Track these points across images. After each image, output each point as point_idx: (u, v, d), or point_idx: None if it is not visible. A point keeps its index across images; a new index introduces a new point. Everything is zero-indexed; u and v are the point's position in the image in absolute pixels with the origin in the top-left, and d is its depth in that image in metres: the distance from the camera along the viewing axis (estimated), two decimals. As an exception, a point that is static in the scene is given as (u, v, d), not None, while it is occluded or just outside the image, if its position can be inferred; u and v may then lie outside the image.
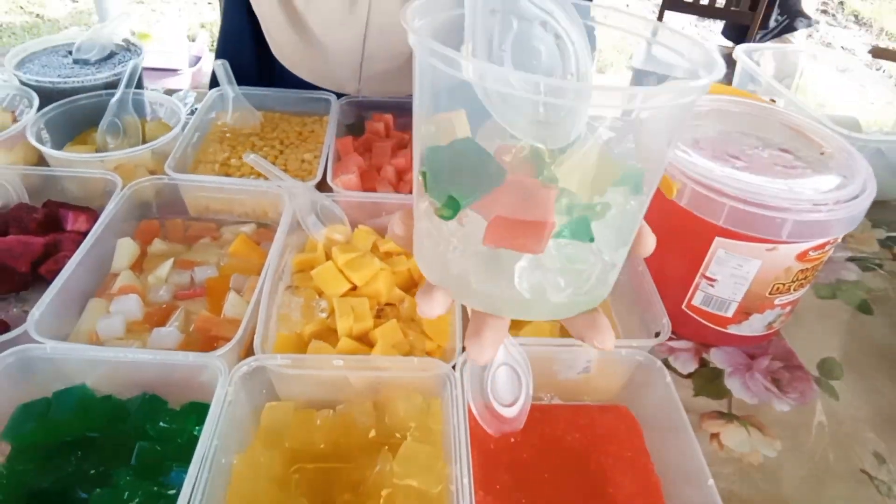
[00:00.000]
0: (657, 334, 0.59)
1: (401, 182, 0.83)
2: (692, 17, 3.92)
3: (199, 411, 0.51)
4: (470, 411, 0.56)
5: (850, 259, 0.87)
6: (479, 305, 0.34)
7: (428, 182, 0.33)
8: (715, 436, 0.62)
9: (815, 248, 0.63)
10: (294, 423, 0.53)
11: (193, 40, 3.12)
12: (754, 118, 0.74)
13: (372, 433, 0.54)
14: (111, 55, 0.95)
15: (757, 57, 1.10)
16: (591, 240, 0.32)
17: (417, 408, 0.55)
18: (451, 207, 0.32)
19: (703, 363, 0.70)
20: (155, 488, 0.47)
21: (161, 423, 0.51)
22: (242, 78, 0.93)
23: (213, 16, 3.76)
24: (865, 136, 0.87)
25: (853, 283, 0.83)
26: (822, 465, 0.60)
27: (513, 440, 0.55)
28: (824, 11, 4.51)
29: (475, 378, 0.53)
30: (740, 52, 1.07)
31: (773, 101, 0.95)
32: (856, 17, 4.53)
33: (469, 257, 0.33)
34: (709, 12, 2.81)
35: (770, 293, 0.66)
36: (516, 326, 0.66)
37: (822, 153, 0.67)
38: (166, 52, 3.03)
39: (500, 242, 0.31)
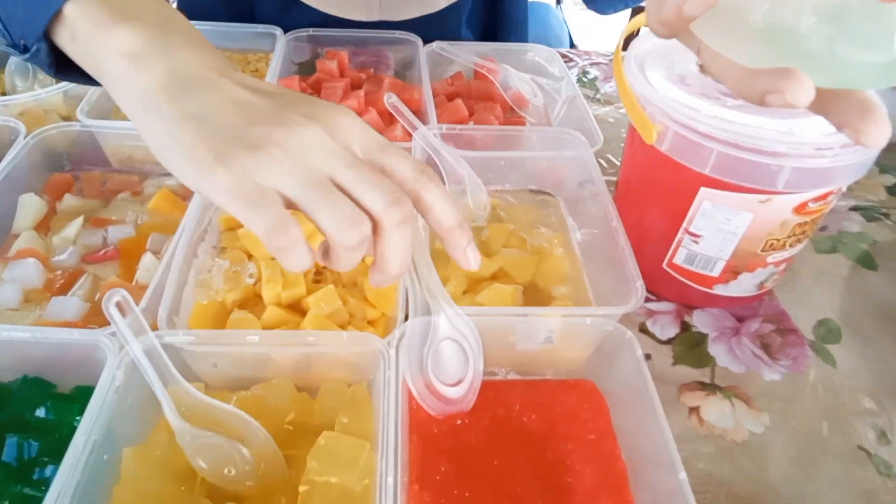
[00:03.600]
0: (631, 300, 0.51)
1: (351, 127, 0.74)
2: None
3: (85, 398, 0.43)
4: (410, 391, 0.48)
5: (854, 208, 0.79)
6: (836, 82, 0.28)
7: None
8: (694, 410, 0.55)
9: (816, 199, 0.54)
10: (200, 409, 0.46)
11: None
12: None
13: (290, 416, 0.46)
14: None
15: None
16: None
17: (345, 395, 0.47)
18: None
19: (685, 327, 0.62)
20: (25, 489, 0.40)
21: (40, 413, 0.44)
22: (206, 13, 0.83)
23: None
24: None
25: (856, 234, 0.75)
26: (814, 442, 0.53)
27: (459, 422, 0.48)
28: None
29: (414, 353, 0.46)
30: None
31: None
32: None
33: (831, 28, 0.27)
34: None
35: (762, 250, 0.57)
36: (473, 290, 0.58)
37: (826, 86, 0.58)
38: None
39: None
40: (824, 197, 0.54)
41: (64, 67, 0.39)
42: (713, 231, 0.57)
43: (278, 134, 0.31)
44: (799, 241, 0.58)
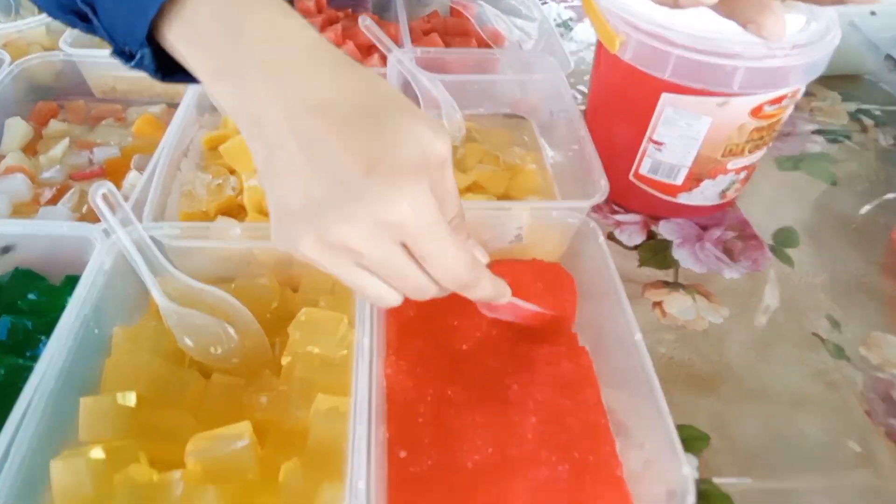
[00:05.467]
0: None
1: (329, 58, 0.76)
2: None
3: (75, 285, 0.45)
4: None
5: (817, 132, 0.82)
6: None
7: None
8: (658, 304, 0.58)
9: (771, 102, 0.57)
10: (187, 293, 0.48)
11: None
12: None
13: (273, 305, 0.49)
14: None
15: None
16: None
17: (325, 285, 0.50)
18: None
19: (651, 235, 0.65)
20: (20, 361, 0.42)
21: (33, 297, 0.46)
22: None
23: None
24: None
25: (818, 154, 0.78)
26: (770, 330, 0.57)
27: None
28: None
29: None
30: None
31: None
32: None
33: None
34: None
35: (723, 155, 0.60)
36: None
37: (781, -6, 0.60)
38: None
39: None
40: (779, 100, 0.57)
41: (172, 71, 0.35)
42: (675, 138, 0.60)
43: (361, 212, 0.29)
44: (758, 147, 0.61)
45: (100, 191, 0.45)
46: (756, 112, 0.57)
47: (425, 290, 0.33)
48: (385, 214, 0.29)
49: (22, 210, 0.57)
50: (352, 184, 0.29)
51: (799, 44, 0.54)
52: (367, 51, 0.76)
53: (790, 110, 0.60)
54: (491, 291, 0.37)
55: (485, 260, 0.38)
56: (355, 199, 0.29)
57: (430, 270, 0.32)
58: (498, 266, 0.54)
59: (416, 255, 0.31)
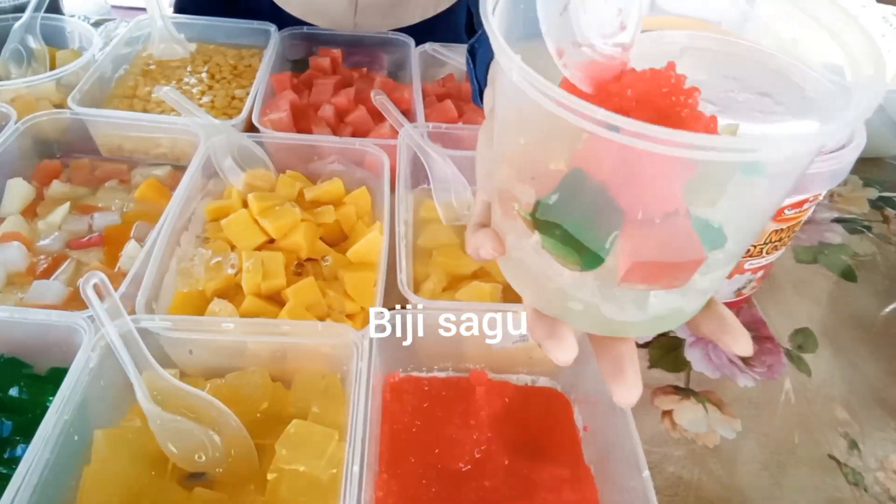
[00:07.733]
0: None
1: (341, 124, 0.75)
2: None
3: (60, 379, 0.44)
4: (384, 383, 0.49)
5: (836, 220, 0.79)
6: (604, 332, 0.30)
7: (549, 236, 0.26)
8: (667, 413, 0.55)
9: (792, 206, 0.55)
10: (173, 394, 0.46)
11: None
12: (732, 58, 0.65)
13: (264, 405, 0.47)
14: (26, -25, 0.85)
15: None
16: (724, 242, 0.26)
17: (318, 386, 0.48)
18: (593, 264, 0.25)
19: (664, 332, 0.63)
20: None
21: (13, 393, 0.44)
22: (206, 7, 0.84)
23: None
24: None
25: (837, 246, 0.75)
26: (785, 448, 0.54)
27: (425, 404, 0.48)
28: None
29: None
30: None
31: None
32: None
33: (594, 293, 0.27)
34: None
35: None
36: (453, 288, 0.59)
37: (803, 97, 0.59)
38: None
39: (640, 284, 0.26)
40: (800, 204, 0.55)
41: None
42: (691, 236, 0.57)
43: None
44: (776, 248, 0.59)
45: (91, 281, 0.43)
46: (777, 215, 0.55)
47: None
48: None
49: (16, 281, 0.55)
50: None
51: (823, 150, 0.52)
52: (379, 117, 0.75)
53: (811, 212, 0.58)
54: None
55: None
56: None
57: None
58: (495, 385, 0.52)
59: None
